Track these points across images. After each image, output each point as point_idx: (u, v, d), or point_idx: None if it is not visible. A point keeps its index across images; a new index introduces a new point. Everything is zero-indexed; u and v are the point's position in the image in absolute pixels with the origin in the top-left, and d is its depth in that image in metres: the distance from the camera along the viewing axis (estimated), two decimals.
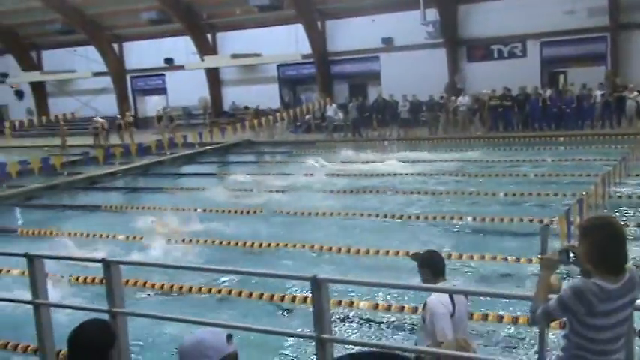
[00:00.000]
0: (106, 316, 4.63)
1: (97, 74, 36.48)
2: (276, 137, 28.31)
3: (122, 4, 32.72)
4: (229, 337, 2.82)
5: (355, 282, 5.03)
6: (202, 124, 32.71)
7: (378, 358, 4.43)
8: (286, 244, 10.86)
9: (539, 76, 27.30)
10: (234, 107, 33.66)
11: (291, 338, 6.85)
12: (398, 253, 9.95)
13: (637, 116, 22.88)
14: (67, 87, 38.87)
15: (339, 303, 7.92)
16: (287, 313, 8.12)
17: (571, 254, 3.31)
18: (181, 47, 33.73)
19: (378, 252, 10.10)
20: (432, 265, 4.73)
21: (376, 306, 7.93)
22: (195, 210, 14.28)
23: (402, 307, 7.79)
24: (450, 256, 9.69)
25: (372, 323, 7.59)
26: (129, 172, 21.90)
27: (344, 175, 17.97)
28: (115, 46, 36.69)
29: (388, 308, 7.82)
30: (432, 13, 27.98)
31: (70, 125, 34.54)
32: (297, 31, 30.59)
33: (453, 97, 25.87)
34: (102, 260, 4.95)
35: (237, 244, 11.23)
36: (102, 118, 30.74)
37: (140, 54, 35.61)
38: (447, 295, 4.54)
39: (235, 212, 13.97)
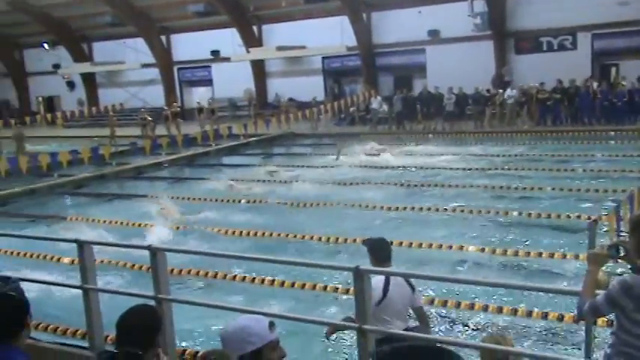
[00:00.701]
0: (152, 303, 4.71)
1: (145, 66, 37.11)
2: (320, 129, 28.29)
3: None
4: (272, 324, 2.85)
5: (396, 273, 5.00)
6: (247, 115, 32.95)
7: (420, 350, 4.39)
8: (337, 239, 10.68)
9: (590, 69, 26.59)
10: (276, 99, 33.75)
11: None
12: (441, 246, 9.88)
13: None
14: (116, 78, 39.62)
15: None
16: (331, 302, 8.12)
17: (621, 249, 3.25)
18: (227, 39, 34.04)
19: (421, 245, 10.01)
20: (374, 252, 4.99)
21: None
22: (240, 201, 14.44)
23: (445, 302, 7.71)
24: (494, 251, 9.59)
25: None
26: (175, 162, 22.24)
27: (385, 167, 17.90)
28: (163, 38, 37.20)
29: (431, 302, 7.73)
30: (480, 5, 27.56)
31: (119, 116, 35.21)
32: (343, 22, 30.50)
33: (500, 90, 25.44)
34: (148, 247, 5.02)
35: (279, 235, 11.26)
36: (148, 110, 31.23)
37: (187, 46, 36.02)
38: (380, 282, 4.77)
39: (278, 203, 14.03)
